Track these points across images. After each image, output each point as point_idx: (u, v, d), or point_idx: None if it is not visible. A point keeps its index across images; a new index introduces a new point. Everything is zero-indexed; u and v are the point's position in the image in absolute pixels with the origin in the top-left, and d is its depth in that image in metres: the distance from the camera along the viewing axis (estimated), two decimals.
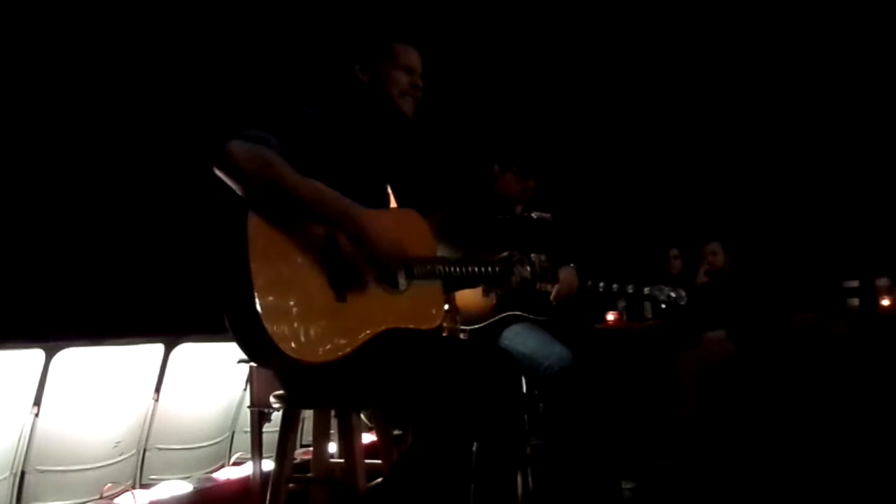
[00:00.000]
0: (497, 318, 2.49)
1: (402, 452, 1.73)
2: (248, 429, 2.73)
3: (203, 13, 3.39)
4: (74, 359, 2.31)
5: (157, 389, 2.68)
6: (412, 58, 1.81)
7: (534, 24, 4.65)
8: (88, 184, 3.04)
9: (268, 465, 2.51)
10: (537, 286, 2.42)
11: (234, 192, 1.50)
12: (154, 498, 2.53)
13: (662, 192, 5.06)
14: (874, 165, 4.52)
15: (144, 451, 2.68)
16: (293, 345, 1.43)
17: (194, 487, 2.66)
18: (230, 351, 2.64)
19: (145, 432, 2.67)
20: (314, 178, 1.53)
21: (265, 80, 3.52)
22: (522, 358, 2.31)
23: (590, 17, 4.69)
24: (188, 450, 2.85)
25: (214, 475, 2.89)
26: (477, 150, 3.37)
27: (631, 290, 2.56)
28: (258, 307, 1.40)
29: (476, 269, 1.92)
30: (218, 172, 1.49)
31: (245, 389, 2.99)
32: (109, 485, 2.46)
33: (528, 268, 2.12)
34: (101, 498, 2.44)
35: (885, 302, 4.10)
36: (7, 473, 2.21)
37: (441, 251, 1.96)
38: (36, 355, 2.21)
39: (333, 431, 1.91)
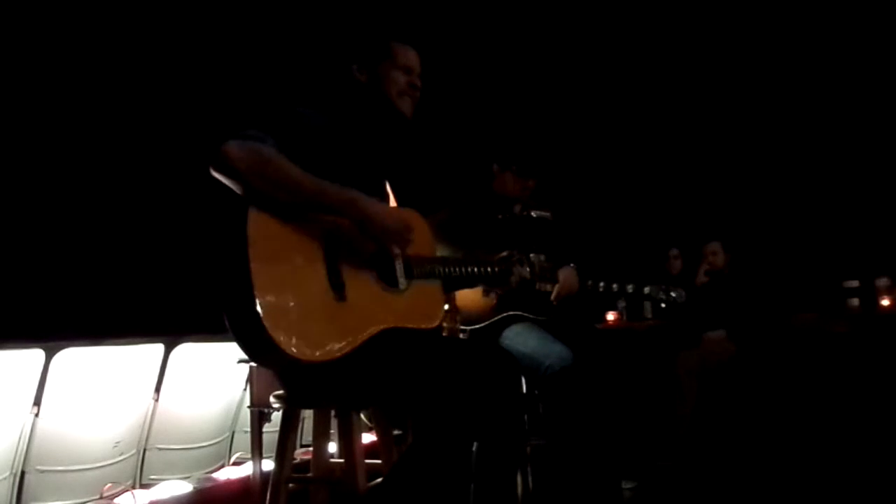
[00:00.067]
0: (497, 318, 2.48)
1: (402, 452, 1.72)
2: (248, 429, 2.74)
3: (201, 13, 3.40)
4: (74, 359, 2.31)
5: (157, 389, 2.69)
6: (410, 57, 1.81)
7: (533, 24, 4.64)
8: (88, 184, 3.05)
9: (268, 465, 2.51)
10: (537, 286, 2.42)
11: (233, 192, 1.50)
12: (154, 498, 2.53)
13: (662, 192, 5.06)
14: (874, 165, 4.52)
15: (144, 451, 2.68)
16: (293, 344, 1.43)
17: (194, 487, 2.66)
18: (230, 351, 2.64)
19: (145, 432, 2.68)
20: None
21: (263, 80, 3.52)
22: (523, 358, 2.30)
23: (589, 17, 4.69)
24: (188, 450, 2.85)
25: (214, 475, 2.89)
26: (476, 149, 3.36)
27: (631, 290, 2.56)
28: (258, 307, 1.40)
29: (475, 269, 1.93)
30: (216, 174, 1.49)
31: (245, 389, 3.00)
32: (109, 485, 2.47)
33: (528, 268, 2.12)
34: (101, 498, 2.44)
35: (885, 302, 4.10)
36: (7, 473, 2.21)
37: (441, 251, 1.96)
38: (36, 355, 2.22)
39: (333, 431, 1.91)
